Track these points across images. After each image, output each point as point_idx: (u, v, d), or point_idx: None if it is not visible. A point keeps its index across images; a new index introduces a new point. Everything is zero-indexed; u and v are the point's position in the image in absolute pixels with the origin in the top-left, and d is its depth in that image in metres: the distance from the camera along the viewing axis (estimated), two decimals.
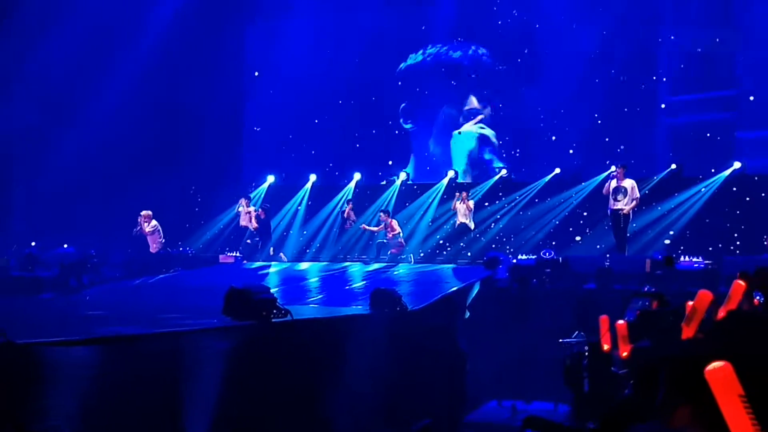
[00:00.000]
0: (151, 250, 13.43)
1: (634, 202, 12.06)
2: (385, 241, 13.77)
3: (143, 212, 13.47)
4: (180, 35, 15.62)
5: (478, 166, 15.96)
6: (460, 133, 16.00)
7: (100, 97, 14.87)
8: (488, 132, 15.92)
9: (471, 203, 13.61)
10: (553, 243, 13.83)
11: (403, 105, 16.57)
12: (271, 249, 14.52)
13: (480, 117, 15.83)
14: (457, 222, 13.62)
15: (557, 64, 15.01)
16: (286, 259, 14.36)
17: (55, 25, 14.56)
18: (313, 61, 16.75)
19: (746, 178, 13.36)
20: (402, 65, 16.67)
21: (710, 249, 12.20)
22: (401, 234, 13.87)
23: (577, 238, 13.99)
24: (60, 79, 14.68)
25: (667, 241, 13.39)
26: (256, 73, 17.58)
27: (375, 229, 14.13)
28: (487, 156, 15.74)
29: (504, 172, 15.11)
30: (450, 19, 16.28)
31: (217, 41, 16.92)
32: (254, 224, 14.16)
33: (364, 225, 14.47)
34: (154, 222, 13.50)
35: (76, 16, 14.41)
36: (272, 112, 17.45)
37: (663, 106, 14.89)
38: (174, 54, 15.70)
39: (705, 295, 3.44)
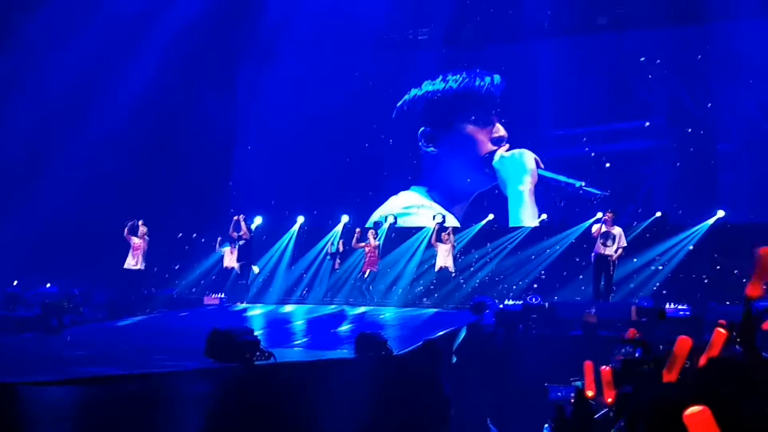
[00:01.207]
0: (133, 263, 13.23)
1: (621, 251, 12.16)
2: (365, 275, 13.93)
3: (142, 226, 13.41)
4: (170, 75, 15.75)
5: (542, 183, 15.75)
6: (505, 155, 15.99)
7: (85, 138, 14.88)
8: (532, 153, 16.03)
9: (449, 245, 13.65)
10: (536, 285, 13.90)
11: (423, 129, 16.72)
12: (254, 267, 14.52)
13: (507, 146, 15.98)
14: (437, 266, 13.65)
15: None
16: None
17: (42, 61, 14.67)
18: (303, 102, 16.91)
19: (730, 226, 13.51)
20: (417, 91, 16.89)
21: (695, 296, 12.26)
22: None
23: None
24: (43, 114, 14.70)
25: (659, 268, 13.54)
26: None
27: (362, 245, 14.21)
28: (543, 173, 15.65)
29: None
30: (438, 62, 16.62)
31: (208, 81, 17.08)
32: (245, 233, 14.16)
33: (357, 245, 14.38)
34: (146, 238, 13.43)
35: (63, 50, 14.52)
36: (261, 152, 17.56)
37: None
38: (162, 94, 15.80)
39: (685, 342, 3.47)
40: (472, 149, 16.28)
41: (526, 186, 15.67)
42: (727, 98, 14.28)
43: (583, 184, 15.12)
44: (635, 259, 13.56)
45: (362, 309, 12.92)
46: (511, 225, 15.36)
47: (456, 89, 16.66)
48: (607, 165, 15.05)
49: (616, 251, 12.08)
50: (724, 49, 14.26)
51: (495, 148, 16.01)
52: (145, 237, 13.43)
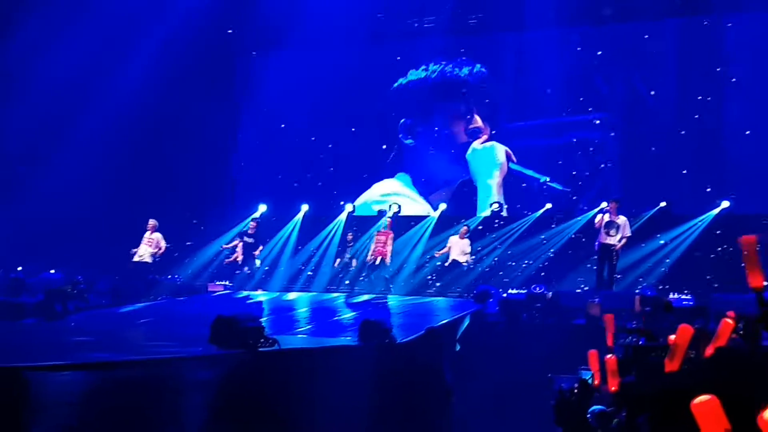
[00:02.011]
0: (140, 256, 13.17)
1: (624, 240, 12.08)
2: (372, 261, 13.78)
3: (151, 221, 13.33)
4: (174, 62, 15.70)
5: (510, 176, 15.73)
6: (477, 148, 15.91)
7: (90, 124, 14.89)
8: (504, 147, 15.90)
9: (467, 240, 13.64)
10: (542, 274, 13.88)
11: (403, 120, 16.62)
12: (257, 261, 14.48)
13: (484, 137, 15.87)
14: (450, 260, 13.62)
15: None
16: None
17: (49, 45, 14.64)
18: (305, 91, 16.85)
19: (734, 216, 13.46)
20: (402, 80, 16.72)
21: (699, 286, 12.24)
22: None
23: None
24: (50, 102, 14.70)
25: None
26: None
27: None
28: (513, 166, 15.64)
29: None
30: (438, 51, 16.46)
31: (211, 69, 17.04)
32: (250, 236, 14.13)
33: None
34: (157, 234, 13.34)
35: (65, 40, 14.50)
36: (264, 141, 17.54)
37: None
38: (166, 81, 15.76)
39: (686, 330, 3.46)
40: (448, 141, 16.19)
41: (495, 180, 15.69)
42: (732, 88, 14.17)
43: (548, 179, 15.17)
44: (641, 246, 13.53)
45: (366, 297, 12.93)
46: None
47: (434, 79, 16.47)
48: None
49: (619, 241, 12.01)
50: (732, 39, 14.16)
51: (470, 140, 15.92)
52: (155, 236, 13.27)
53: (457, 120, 16.14)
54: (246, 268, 14.14)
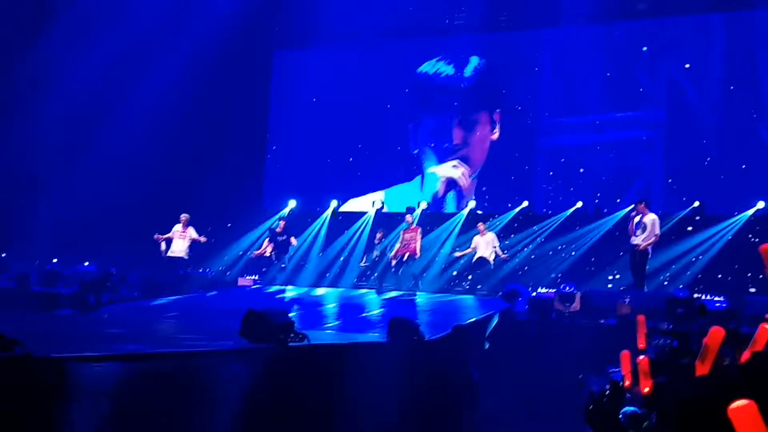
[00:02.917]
0: (179, 252, 13.15)
1: (654, 239, 11.80)
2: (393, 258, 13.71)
3: (183, 216, 13.24)
4: (205, 60, 15.88)
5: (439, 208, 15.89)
6: (430, 172, 15.89)
7: (124, 120, 15.13)
8: (457, 174, 15.61)
9: (491, 235, 13.55)
10: (576, 262, 13.81)
11: (411, 125, 16.54)
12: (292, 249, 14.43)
13: (459, 154, 15.56)
14: (476, 257, 13.56)
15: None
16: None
17: (83, 42, 14.91)
18: (337, 88, 16.92)
19: None
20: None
21: (732, 288, 12.04)
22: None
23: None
24: (85, 97, 14.95)
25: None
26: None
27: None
28: (448, 200, 15.68)
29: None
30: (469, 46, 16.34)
31: (243, 67, 17.19)
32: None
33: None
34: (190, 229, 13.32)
35: (103, 38, 14.76)
36: (295, 137, 17.64)
37: None
38: (198, 78, 15.95)
39: (717, 332, 3.41)
40: (429, 158, 15.91)
41: (419, 209, 15.53)
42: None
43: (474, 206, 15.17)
44: (674, 246, 13.34)
45: (393, 294, 12.94)
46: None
47: (420, 79, 16.05)
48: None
49: (644, 240, 11.78)
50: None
51: (443, 159, 15.54)
52: (188, 231, 13.22)
53: (438, 134, 15.88)
54: (282, 264, 14.20)
